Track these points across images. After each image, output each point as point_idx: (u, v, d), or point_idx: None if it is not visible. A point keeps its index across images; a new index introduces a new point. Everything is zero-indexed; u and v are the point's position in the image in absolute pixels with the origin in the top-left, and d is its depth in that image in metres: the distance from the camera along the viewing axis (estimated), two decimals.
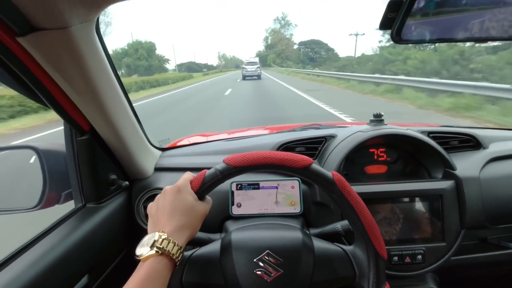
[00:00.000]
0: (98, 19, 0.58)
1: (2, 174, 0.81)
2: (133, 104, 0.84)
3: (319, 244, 0.61)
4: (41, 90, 0.59)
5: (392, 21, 0.46)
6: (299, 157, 0.55)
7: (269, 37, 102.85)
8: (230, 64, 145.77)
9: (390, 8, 0.46)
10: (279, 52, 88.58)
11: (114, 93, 0.71)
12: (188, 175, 0.58)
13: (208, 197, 0.59)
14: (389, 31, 0.48)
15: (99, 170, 0.79)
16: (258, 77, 25.06)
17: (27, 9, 0.45)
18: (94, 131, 0.75)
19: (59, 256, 0.62)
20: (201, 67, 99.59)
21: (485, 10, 0.47)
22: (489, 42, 0.52)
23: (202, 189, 0.56)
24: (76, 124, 0.71)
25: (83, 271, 0.69)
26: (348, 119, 6.17)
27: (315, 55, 78.59)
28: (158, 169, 0.99)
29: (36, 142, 0.78)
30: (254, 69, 25.54)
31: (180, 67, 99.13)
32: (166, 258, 0.47)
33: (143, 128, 0.92)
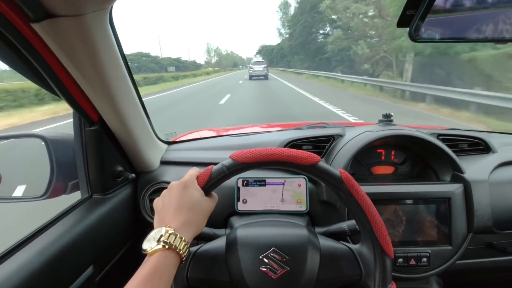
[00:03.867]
0: (112, 8, 0.57)
1: (10, 163, 0.82)
2: None
3: (325, 242, 0.61)
4: (52, 79, 0.58)
5: (411, 19, 0.45)
6: (307, 154, 0.55)
7: None
8: (226, 61, 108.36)
9: (409, 5, 0.45)
10: None
11: (125, 84, 0.71)
12: (194, 171, 0.58)
13: (214, 193, 0.59)
14: None
15: (106, 161, 0.79)
16: (265, 77, 25.06)
17: None
18: (103, 122, 0.75)
19: (65, 246, 0.62)
20: (164, 65, 55.29)
21: (506, 9, 0.46)
22: None
23: (208, 185, 0.56)
24: (85, 114, 0.71)
25: (88, 261, 0.69)
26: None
27: None
28: (164, 163, 0.99)
29: (44, 131, 0.78)
30: (261, 69, 25.33)
31: None
32: (172, 253, 0.47)
33: (150, 121, 0.91)
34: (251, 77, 25.28)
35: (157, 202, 0.55)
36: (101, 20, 0.55)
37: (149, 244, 0.47)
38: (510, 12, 0.47)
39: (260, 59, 31.29)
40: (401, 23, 0.47)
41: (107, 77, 0.63)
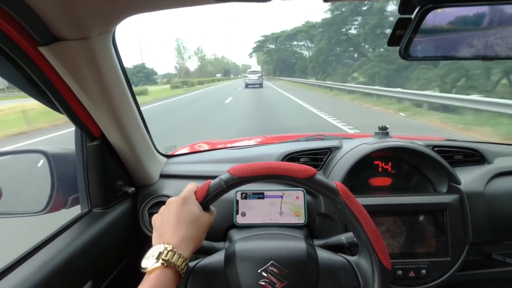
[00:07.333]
0: (115, 31, 0.60)
1: (11, 178, 0.82)
2: None
3: (323, 255, 0.61)
4: (56, 97, 0.60)
5: (400, 38, 0.47)
6: (303, 167, 0.56)
7: None
8: (214, 68, 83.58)
9: (399, 25, 0.47)
10: None
11: (126, 101, 0.73)
12: (192, 186, 0.58)
13: (212, 208, 0.59)
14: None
15: (107, 176, 0.80)
16: (260, 85, 26.68)
17: (51, 20, 0.47)
18: (104, 137, 0.76)
19: (66, 261, 0.62)
20: None
21: (494, 29, 0.48)
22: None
23: (206, 200, 0.56)
24: (87, 130, 0.72)
25: (88, 276, 0.69)
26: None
27: None
28: (163, 176, 0.99)
29: (45, 146, 0.79)
30: (256, 78, 26.99)
31: None
32: (171, 270, 0.47)
33: (150, 135, 0.93)
34: (247, 85, 26.95)
35: (156, 219, 0.55)
36: (105, 42, 0.58)
37: (148, 262, 0.47)
38: (500, 30, 0.49)
39: (256, 68, 34.59)
40: (391, 42, 0.49)
41: (110, 95, 0.65)
